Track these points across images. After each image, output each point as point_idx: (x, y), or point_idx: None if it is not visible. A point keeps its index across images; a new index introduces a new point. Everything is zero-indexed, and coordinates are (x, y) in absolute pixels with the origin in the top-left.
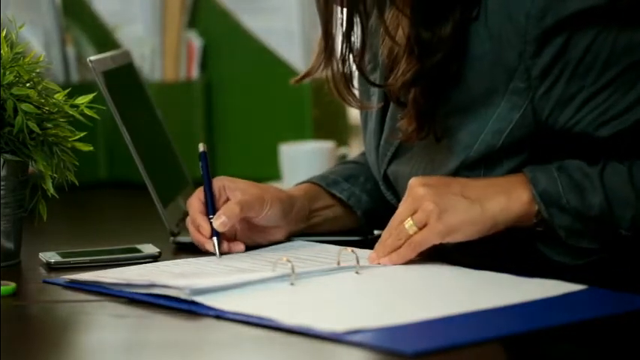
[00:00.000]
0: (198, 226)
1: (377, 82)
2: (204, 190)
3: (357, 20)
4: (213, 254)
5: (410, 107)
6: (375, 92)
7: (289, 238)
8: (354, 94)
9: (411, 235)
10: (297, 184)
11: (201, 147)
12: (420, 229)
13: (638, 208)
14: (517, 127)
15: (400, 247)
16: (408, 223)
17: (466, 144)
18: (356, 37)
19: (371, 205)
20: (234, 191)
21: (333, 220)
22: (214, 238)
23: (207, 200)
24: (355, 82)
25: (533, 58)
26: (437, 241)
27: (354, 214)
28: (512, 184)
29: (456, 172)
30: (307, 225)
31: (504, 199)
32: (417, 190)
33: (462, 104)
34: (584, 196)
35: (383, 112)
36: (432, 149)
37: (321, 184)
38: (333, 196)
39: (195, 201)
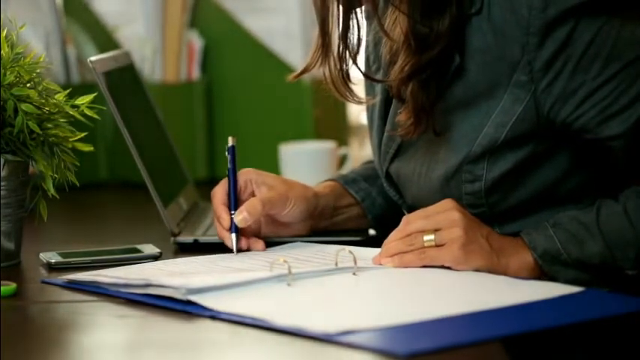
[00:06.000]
0: (219, 217)
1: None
2: (229, 185)
3: (353, 17)
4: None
5: (408, 101)
6: (379, 92)
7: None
8: (351, 90)
9: (425, 247)
10: (321, 182)
11: (230, 141)
12: (437, 246)
13: None
14: (519, 121)
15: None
16: (428, 237)
17: (469, 138)
18: (352, 34)
19: (385, 208)
20: (261, 186)
21: (356, 217)
22: (233, 235)
23: (230, 195)
24: (353, 79)
25: (536, 50)
26: (448, 264)
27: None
28: (520, 246)
29: (459, 167)
30: (332, 222)
31: (516, 260)
32: (452, 213)
33: (464, 98)
34: (583, 246)
35: (385, 110)
36: (433, 146)
37: (340, 181)
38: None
39: (220, 191)
